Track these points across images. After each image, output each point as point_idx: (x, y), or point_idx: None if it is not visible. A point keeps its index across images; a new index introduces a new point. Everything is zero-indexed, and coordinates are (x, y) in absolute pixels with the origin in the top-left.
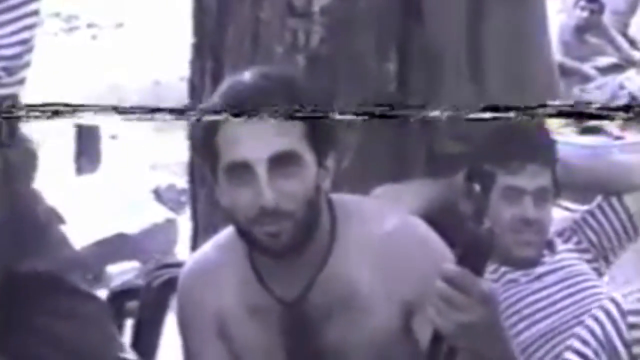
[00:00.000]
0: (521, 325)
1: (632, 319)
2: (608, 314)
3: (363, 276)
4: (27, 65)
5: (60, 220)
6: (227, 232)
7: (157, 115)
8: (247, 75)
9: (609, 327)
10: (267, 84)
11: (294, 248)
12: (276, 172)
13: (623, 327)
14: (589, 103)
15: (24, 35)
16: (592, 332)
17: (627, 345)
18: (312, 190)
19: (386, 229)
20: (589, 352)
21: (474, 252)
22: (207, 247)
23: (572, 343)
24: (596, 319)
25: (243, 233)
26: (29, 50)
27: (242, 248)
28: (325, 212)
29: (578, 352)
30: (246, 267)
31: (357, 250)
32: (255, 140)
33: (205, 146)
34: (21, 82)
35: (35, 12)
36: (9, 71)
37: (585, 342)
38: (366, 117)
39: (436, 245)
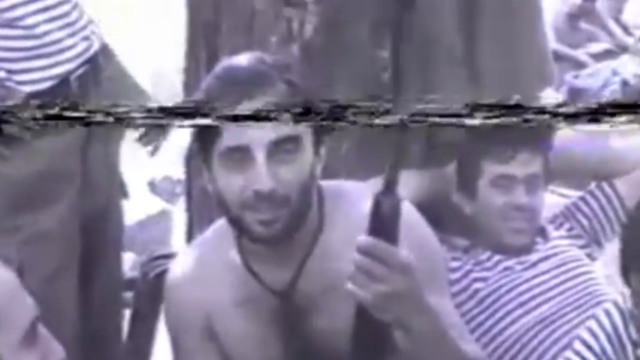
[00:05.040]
0: (517, 313)
1: None
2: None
3: (350, 259)
4: None
5: (125, 195)
6: (213, 228)
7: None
8: (242, 59)
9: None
10: (263, 68)
11: (287, 236)
12: (275, 157)
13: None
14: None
15: None
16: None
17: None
18: (307, 176)
19: None
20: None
21: (384, 223)
22: (192, 247)
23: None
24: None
25: (234, 221)
26: None
27: (230, 241)
28: (315, 197)
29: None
30: (235, 260)
31: (344, 233)
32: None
33: (201, 131)
34: None
35: None
36: None
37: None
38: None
39: (422, 228)
